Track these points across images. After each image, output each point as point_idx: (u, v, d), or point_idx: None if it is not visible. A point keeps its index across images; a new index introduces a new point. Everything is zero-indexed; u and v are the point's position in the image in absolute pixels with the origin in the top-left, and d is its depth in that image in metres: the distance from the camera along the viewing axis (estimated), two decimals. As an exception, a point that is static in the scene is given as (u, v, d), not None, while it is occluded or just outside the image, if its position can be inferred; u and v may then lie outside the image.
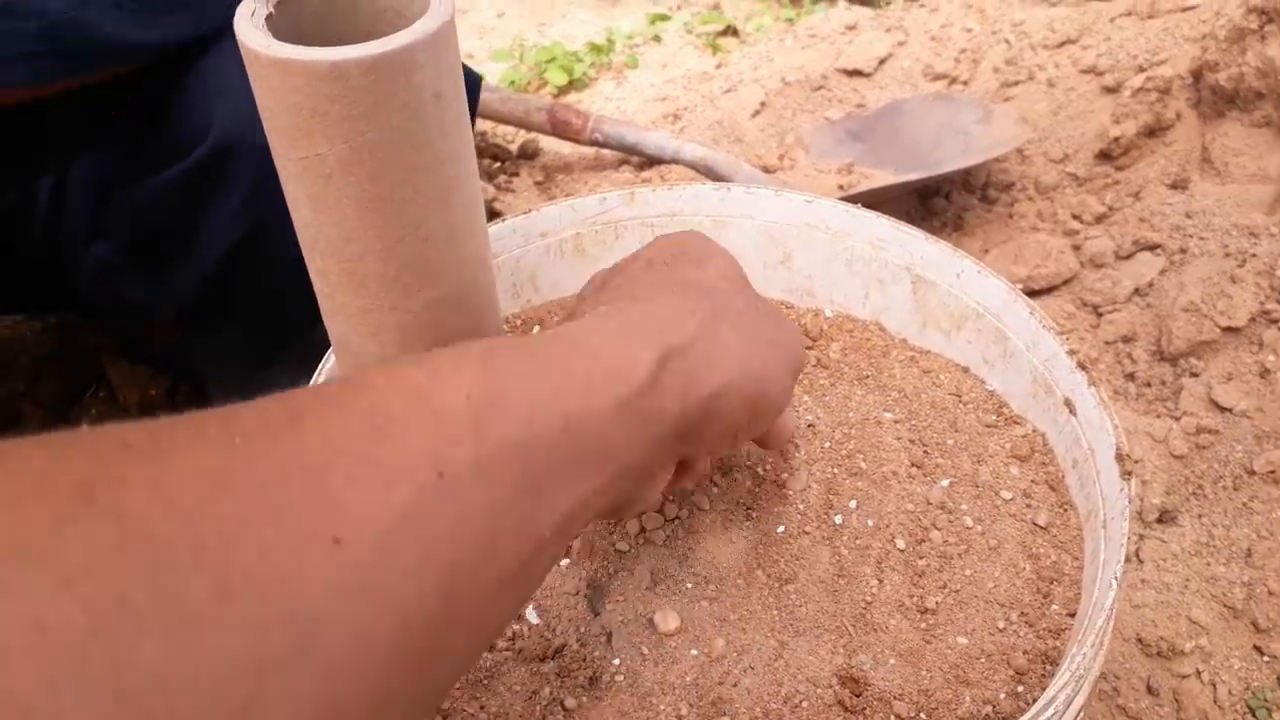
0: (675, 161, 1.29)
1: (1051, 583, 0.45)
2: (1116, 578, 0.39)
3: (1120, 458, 0.43)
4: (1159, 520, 0.87)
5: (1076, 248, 1.12)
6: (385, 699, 0.25)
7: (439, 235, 0.38)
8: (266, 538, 0.23)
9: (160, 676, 0.20)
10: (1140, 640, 0.80)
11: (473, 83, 0.82)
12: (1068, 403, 0.48)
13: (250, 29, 0.33)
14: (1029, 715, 0.35)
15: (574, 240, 0.60)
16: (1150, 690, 0.77)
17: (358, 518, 0.25)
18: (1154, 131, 1.18)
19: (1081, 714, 0.39)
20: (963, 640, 0.43)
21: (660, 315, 0.37)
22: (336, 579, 0.24)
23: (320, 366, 0.49)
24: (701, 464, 0.42)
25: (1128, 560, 0.87)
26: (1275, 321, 0.93)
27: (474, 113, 0.89)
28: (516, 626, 0.45)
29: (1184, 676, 0.77)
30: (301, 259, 0.39)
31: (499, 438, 0.29)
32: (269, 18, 0.34)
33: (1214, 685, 0.77)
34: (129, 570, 0.21)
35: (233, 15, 0.33)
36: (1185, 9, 1.29)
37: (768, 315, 0.42)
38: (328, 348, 0.50)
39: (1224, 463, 0.87)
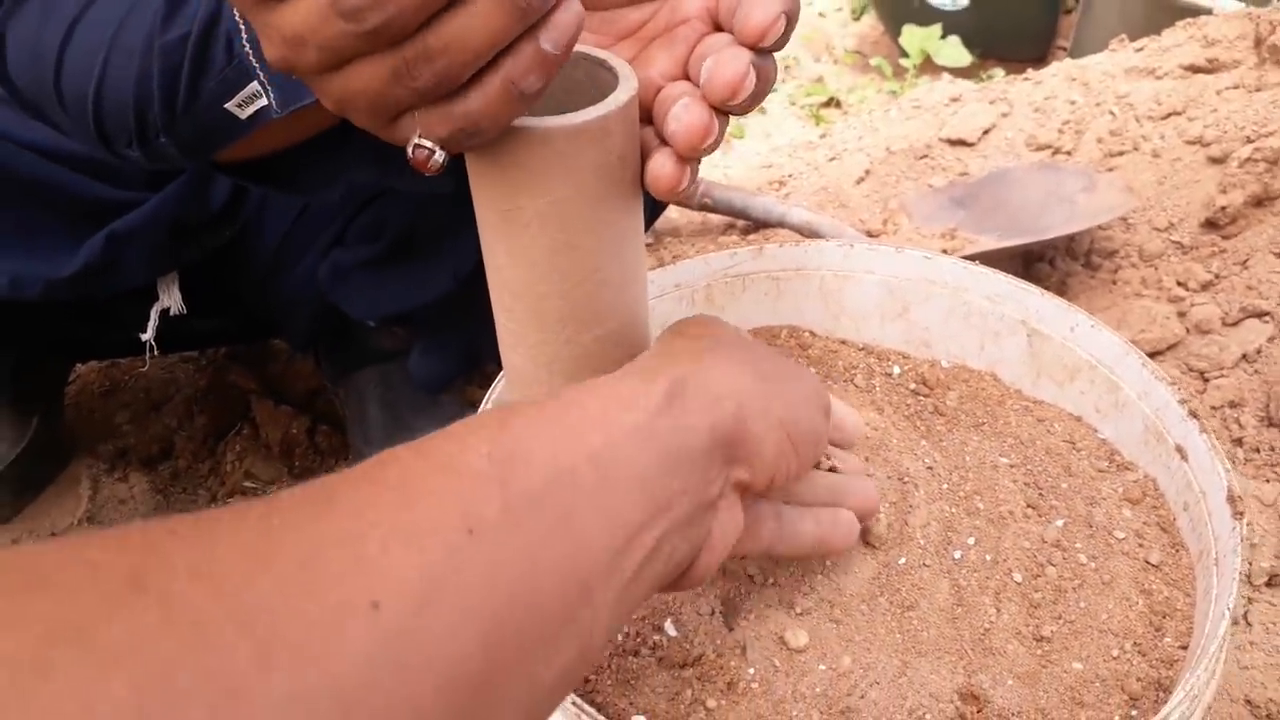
0: (781, 225, 1.35)
1: (1164, 617, 0.48)
2: (1229, 608, 0.42)
3: (1232, 499, 0.46)
4: (1268, 584, 0.87)
5: (1182, 314, 1.13)
6: None
7: (612, 279, 0.44)
8: (307, 608, 0.24)
9: None
10: (1249, 702, 0.79)
11: None
12: (1179, 449, 0.51)
13: (469, 102, 0.39)
14: (1145, 729, 0.38)
15: (705, 291, 0.66)
16: (1261, 753, 0.77)
17: (394, 581, 0.26)
18: (1262, 201, 1.19)
19: (1194, 738, 0.42)
20: (1078, 665, 0.46)
21: (665, 355, 0.40)
22: (378, 644, 0.24)
23: (487, 397, 0.55)
24: (770, 489, 0.41)
25: (1235, 622, 0.87)
26: (1390, 390, 0.93)
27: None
28: (657, 638, 0.50)
29: (1296, 740, 0.77)
30: None
31: (526, 485, 0.30)
32: (483, 93, 0.40)
33: (1328, 751, 0.76)
34: (174, 648, 0.21)
35: None
36: (1293, 82, 1.30)
37: (777, 358, 0.43)
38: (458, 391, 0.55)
39: (1337, 528, 0.87)
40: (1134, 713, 0.44)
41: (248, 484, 1.11)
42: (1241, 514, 0.45)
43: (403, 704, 0.24)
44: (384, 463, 0.30)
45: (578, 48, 0.43)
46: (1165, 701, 0.44)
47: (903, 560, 0.52)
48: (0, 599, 0.21)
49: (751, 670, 0.47)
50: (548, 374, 0.46)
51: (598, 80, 0.42)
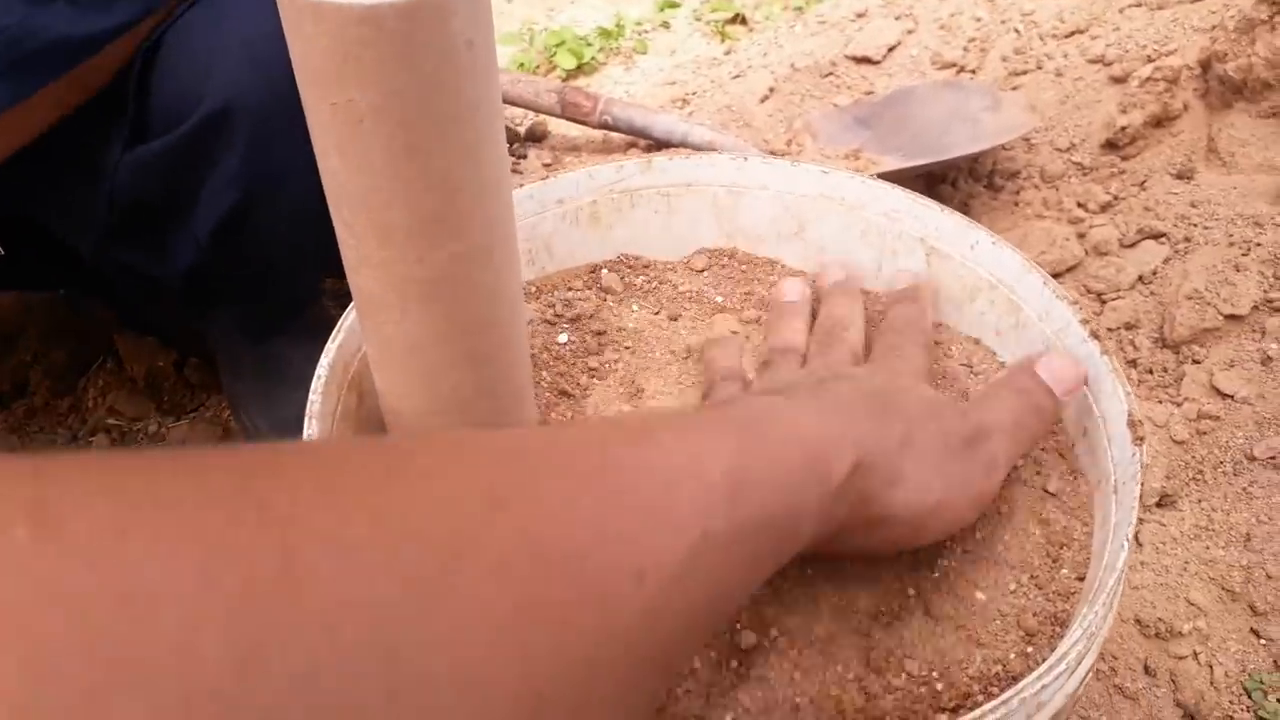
0: (684, 145, 1.30)
1: (1061, 548, 0.45)
2: (1128, 539, 0.40)
3: (1132, 424, 0.44)
4: (1159, 504, 0.87)
5: (1081, 235, 1.13)
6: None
7: (467, 186, 0.38)
8: (595, 564, 0.26)
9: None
10: (1138, 621, 0.80)
11: None
12: (1080, 372, 0.48)
13: (286, -27, 0.33)
14: (1040, 671, 0.36)
15: (590, 208, 0.61)
16: (1148, 670, 0.78)
17: (657, 555, 0.28)
18: (1161, 122, 1.18)
19: (1089, 675, 0.40)
20: (981, 596, 0.43)
21: (858, 423, 0.39)
22: (642, 606, 0.27)
23: (339, 325, 0.50)
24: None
25: (1128, 543, 0.87)
26: (1278, 310, 0.93)
27: None
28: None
29: (1181, 658, 0.78)
30: (298, 225, 0.38)
31: (744, 517, 0.32)
32: (306, -36, 0.34)
33: (1211, 667, 0.78)
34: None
35: None
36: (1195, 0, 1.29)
37: (969, 446, 0.43)
38: (328, 319, 0.50)
39: (1224, 448, 0.88)
40: (1029, 649, 0.42)
41: (111, 421, 1.03)
42: (1142, 439, 0.43)
43: (632, 663, 0.27)
44: (645, 441, 0.32)
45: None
46: (1060, 637, 0.42)
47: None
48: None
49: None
50: (399, 298, 0.41)
51: (444, -46, 0.36)
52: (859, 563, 0.44)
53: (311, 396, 0.46)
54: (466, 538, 0.24)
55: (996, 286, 0.53)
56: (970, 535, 0.46)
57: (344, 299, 0.45)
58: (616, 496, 0.28)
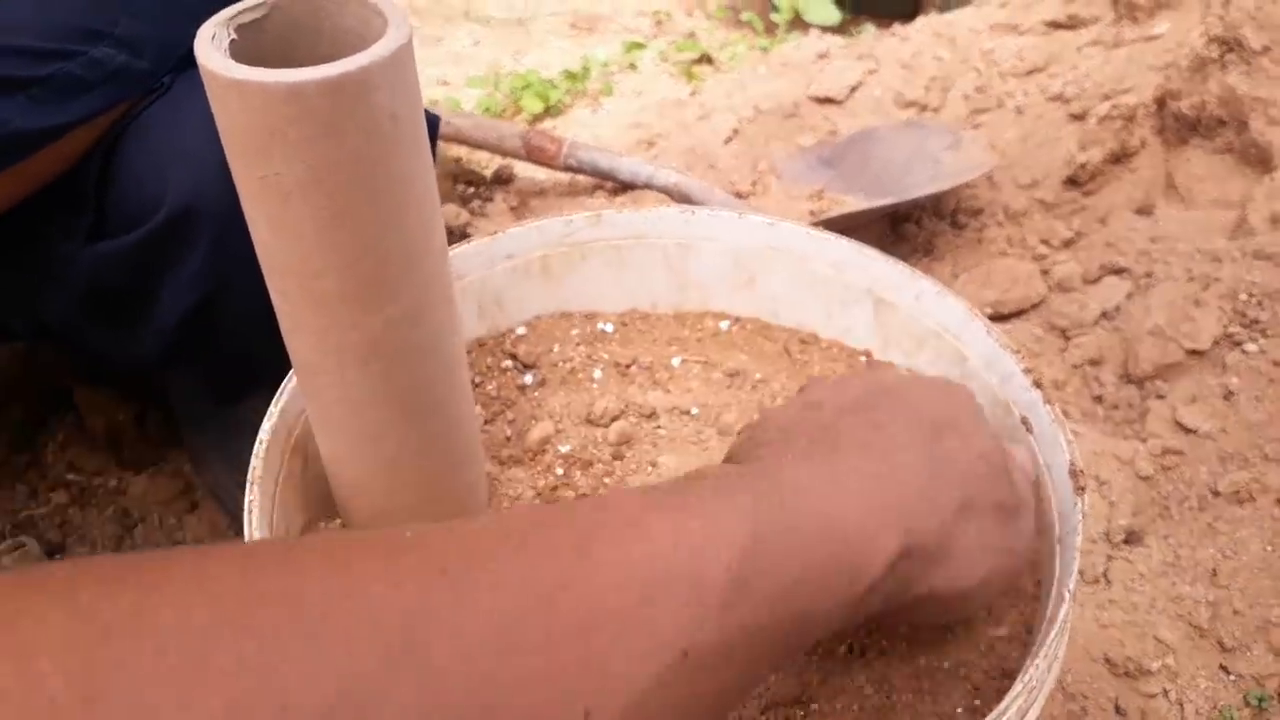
0: (649, 187, 1.30)
1: (1011, 601, 0.45)
2: (1069, 590, 0.40)
3: (1074, 473, 0.44)
4: (1126, 541, 0.87)
5: (1045, 272, 1.14)
6: None
7: (397, 254, 0.38)
8: (535, 700, 0.24)
9: None
10: (1108, 660, 0.80)
11: (431, 123, 0.84)
12: (1024, 420, 0.49)
13: (211, 51, 0.33)
14: (982, 729, 0.36)
15: (541, 261, 0.61)
16: (1118, 710, 0.77)
17: (611, 689, 0.26)
18: (1119, 158, 1.20)
19: (1038, 728, 0.39)
20: (921, 660, 0.43)
21: (906, 492, 0.35)
22: None
23: (281, 389, 0.49)
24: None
25: (1095, 581, 0.87)
26: (1238, 344, 0.94)
27: (433, 152, 0.91)
28: None
29: (1151, 696, 0.78)
30: (265, 311, 0.39)
31: (741, 623, 0.29)
32: (232, 42, 0.34)
33: (1181, 704, 0.77)
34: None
35: (148, 81, 0.33)
36: (1149, 39, 1.31)
37: (1013, 515, 0.39)
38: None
39: (1189, 484, 0.88)
40: (977, 702, 0.42)
41: (71, 476, 1.02)
42: (1083, 489, 0.43)
43: None
44: (635, 531, 0.29)
45: (349, -11, 0.37)
46: (1008, 690, 0.42)
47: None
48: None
49: None
50: (336, 363, 0.41)
51: (370, 26, 0.36)
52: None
53: (253, 462, 0.46)
54: (358, 698, 0.22)
55: (942, 335, 0.53)
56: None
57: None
58: (574, 619, 0.26)
